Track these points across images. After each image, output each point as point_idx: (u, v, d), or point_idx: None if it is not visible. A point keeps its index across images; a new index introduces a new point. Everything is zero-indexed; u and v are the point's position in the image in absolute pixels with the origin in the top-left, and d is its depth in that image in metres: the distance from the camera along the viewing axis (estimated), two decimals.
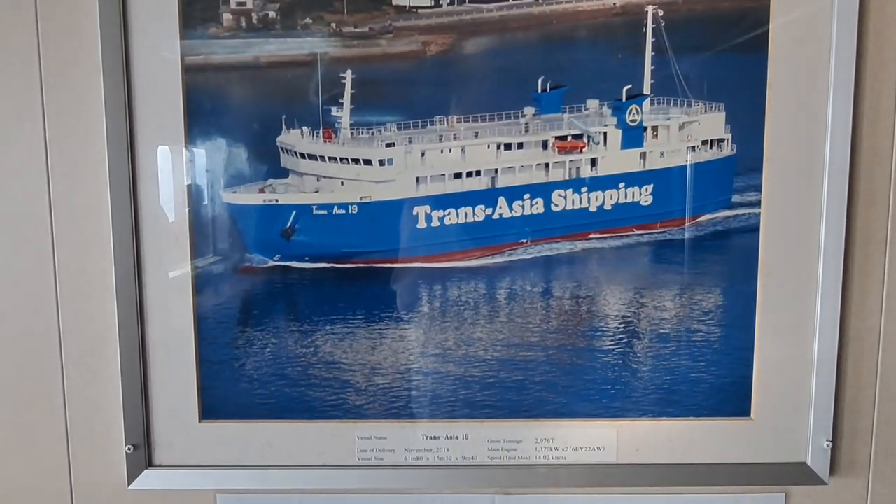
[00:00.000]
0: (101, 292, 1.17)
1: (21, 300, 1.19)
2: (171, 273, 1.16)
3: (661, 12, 1.10)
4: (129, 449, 1.19)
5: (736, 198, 1.15)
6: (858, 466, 1.20)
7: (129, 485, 1.20)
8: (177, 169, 1.14)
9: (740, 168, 1.14)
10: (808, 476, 1.18)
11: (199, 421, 1.19)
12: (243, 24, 1.11)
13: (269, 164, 1.14)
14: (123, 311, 1.16)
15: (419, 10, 1.10)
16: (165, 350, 1.17)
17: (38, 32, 1.13)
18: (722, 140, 1.14)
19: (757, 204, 1.14)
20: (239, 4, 1.11)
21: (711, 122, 1.14)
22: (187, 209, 1.15)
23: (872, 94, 1.12)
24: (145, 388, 1.18)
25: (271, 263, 1.17)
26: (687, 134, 1.15)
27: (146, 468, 1.20)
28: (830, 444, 1.17)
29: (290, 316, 1.18)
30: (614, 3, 1.10)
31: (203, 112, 1.13)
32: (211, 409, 1.19)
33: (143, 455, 1.19)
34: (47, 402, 1.21)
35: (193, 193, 1.15)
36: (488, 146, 1.16)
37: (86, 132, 1.14)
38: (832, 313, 1.14)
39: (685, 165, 1.16)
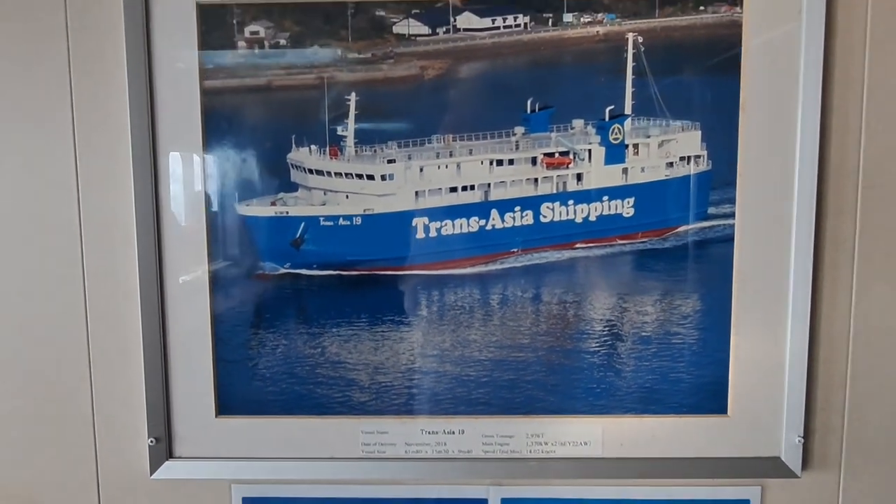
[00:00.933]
0: (126, 296, 1.23)
1: (52, 302, 1.25)
2: (191, 278, 1.22)
3: (640, 39, 1.17)
4: (151, 442, 1.25)
5: (712, 210, 1.21)
6: (830, 461, 1.26)
7: (151, 475, 1.26)
8: (196, 183, 1.21)
9: (715, 182, 1.21)
10: (781, 470, 1.24)
11: (216, 416, 1.26)
12: (256, 50, 1.19)
13: (280, 179, 1.21)
14: (147, 313, 1.22)
15: (418, 38, 1.18)
16: (185, 350, 1.24)
17: (70, 57, 1.20)
18: (698, 156, 1.21)
19: (731, 215, 1.20)
20: (252, 33, 1.18)
21: (688, 140, 1.20)
22: (205, 221, 1.22)
23: (840, 113, 1.17)
24: (166, 385, 1.24)
25: (282, 271, 1.24)
26: (665, 151, 1.22)
27: (167, 460, 1.26)
28: (802, 440, 1.22)
29: (299, 319, 1.25)
30: (597, 31, 1.18)
31: (220, 131, 1.20)
32: (227, 405, 1.26)
33: (164, 447, 1.25)
34: (76, 398, 1.27)
35: (211, 206, 1.22)
36: (482, 162, 1.22)
37: (112, 147, 1.20)
38: (803, 317, 1.20)
39: (664, 180, 1.23)
